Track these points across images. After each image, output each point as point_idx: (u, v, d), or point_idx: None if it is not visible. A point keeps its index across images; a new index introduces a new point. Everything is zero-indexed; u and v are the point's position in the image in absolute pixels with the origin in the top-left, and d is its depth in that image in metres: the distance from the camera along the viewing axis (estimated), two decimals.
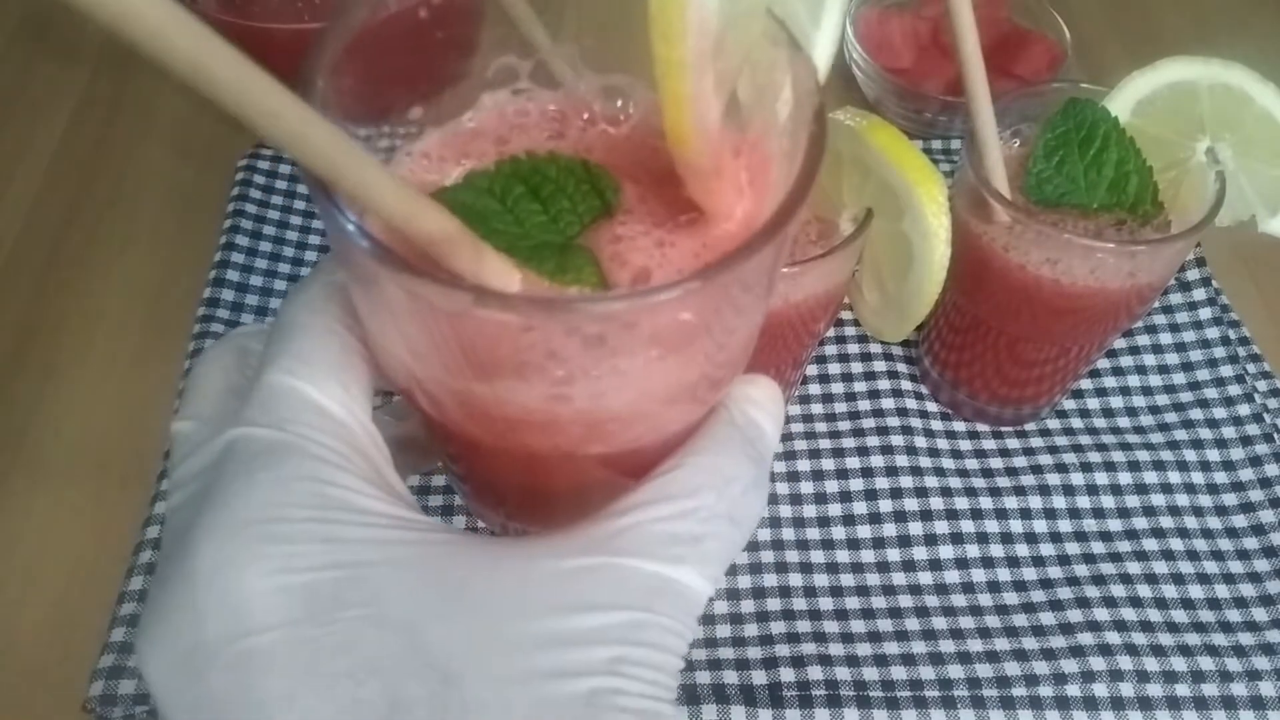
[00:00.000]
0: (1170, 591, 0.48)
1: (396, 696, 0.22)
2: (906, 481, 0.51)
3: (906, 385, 0.54)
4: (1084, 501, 0.51)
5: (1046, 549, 0.49)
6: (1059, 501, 0.50)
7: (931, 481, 0.51)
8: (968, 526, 0.49)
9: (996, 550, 0.49)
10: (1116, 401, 0.55)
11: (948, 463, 0.52)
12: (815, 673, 0.44)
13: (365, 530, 0.23)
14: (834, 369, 0.55)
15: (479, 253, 0.22)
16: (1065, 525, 0.50)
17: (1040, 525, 0.50)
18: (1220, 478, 0.51)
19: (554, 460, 0.26)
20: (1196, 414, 0.54)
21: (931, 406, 0.54)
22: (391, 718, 0.21)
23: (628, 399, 0.23)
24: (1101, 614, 0.46)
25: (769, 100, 0.24)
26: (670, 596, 0.24)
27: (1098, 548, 0.49)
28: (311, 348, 0.25)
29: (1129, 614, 0.47)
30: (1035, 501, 0.50)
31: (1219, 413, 0.53)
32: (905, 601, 0.47)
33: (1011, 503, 0.50)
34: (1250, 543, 0.49)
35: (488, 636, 0.23)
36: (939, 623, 0.46)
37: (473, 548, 0.24)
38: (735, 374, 0.27)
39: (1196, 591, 0.48)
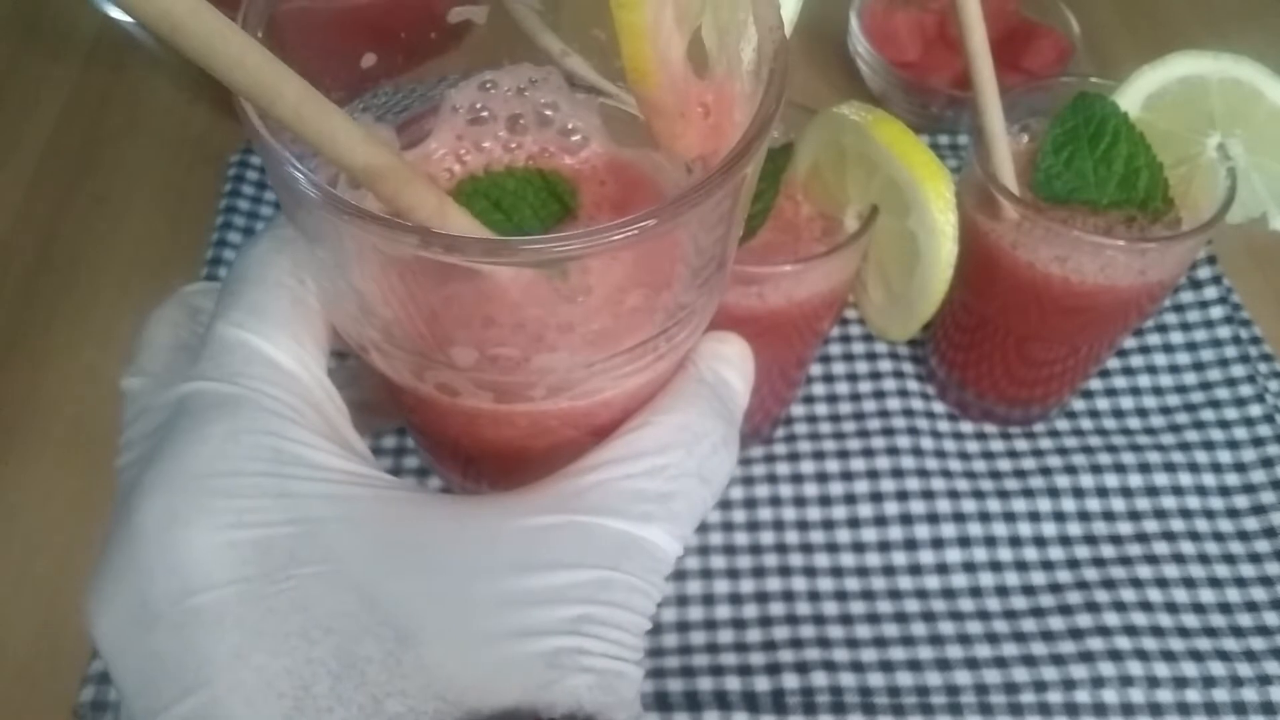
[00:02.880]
0: (1181, 596, 0.47)
1: (351, 655, 0.21)
2: (912, 484, 0.50)
3: (913, 385, 0.54)
4: (1094, 504, 0.50)
5: (1055, 553, 0.48)
6: (1068, 504, 0.50)
7: (938, 484, 0.50)
8: (975, 530, 0.49)
9: (1004, 554, 0.48)
10: (1127, 402, 0.54)
11: (955, 464, 0.51)
12: (819, 679, 0.44)
13: (320, 485, 0.23)
14: (839, 369, 0.54)
15: (443, 206, 0.22)
16: (1075, 528, 0.49)
17: (1049, 528, 0.49)
18: (1232, 480, 0.51)
19: (514, 419, 0.25)
20: (1208, 415, 0.53)
21: (938, 407, 0.53)
22: (345, 677, 0.21)
23: (583, 351, 0.23)
24: (1111, 618, 0.46)
25: (732, 41, 0.24)
26: (638, 555, 0.24)
27: (1107, 551, 0.48)
28: (263, 301, 0.24)
29: (1139, 618, 0.46)
30: (1044, 504, 0.50)
31: (1230, 414, 0.53)
32: (911, 606, 0.46)
33: (1020, 505, 0.50)
34: (1262, 546, 0.48)
35: (447, 595, 0.22)
36: (945, 628, 0.46)
37: (433, 505, 0.24)
38: (698, 331, 0.27)
39: (1207, 596, 0.47)
